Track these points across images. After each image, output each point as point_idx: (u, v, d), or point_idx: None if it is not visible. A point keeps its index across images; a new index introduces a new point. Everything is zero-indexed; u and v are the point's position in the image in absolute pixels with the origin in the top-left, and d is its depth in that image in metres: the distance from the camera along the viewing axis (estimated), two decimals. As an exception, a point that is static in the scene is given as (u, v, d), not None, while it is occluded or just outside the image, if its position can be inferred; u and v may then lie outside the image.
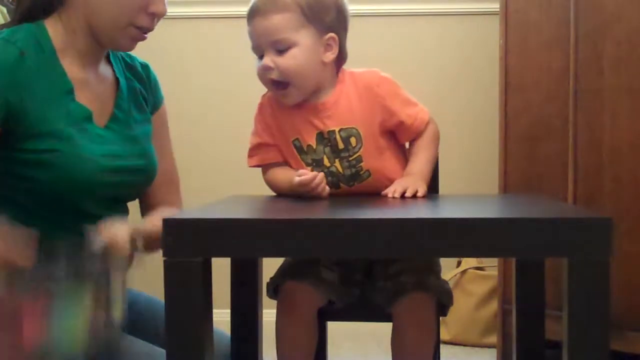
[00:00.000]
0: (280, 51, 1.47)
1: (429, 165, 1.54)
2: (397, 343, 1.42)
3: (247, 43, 1.53)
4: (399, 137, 1.56)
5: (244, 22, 1.54)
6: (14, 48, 1.34)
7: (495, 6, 2.58)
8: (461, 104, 3.11)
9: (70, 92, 1.40)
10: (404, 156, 1.58)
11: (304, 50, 1.47)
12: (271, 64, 1.47)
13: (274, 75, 1.48)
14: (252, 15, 1.49)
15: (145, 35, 1.44)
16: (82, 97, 1.42)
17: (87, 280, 1.15)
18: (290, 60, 1.47)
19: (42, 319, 1.08)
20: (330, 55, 1.52)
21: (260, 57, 1.50)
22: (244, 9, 1.55)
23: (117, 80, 1.52)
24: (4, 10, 2.20)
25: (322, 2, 1.50)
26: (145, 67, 1.59)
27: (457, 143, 3.04)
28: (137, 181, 1.52)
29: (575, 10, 2.30)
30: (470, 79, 3.11)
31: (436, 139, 1.57)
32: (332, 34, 1.51)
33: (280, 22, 1.46)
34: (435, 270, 1.49)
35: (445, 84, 3.09)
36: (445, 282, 1.49)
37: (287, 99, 1.51)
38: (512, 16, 2.47)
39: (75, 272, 1.13)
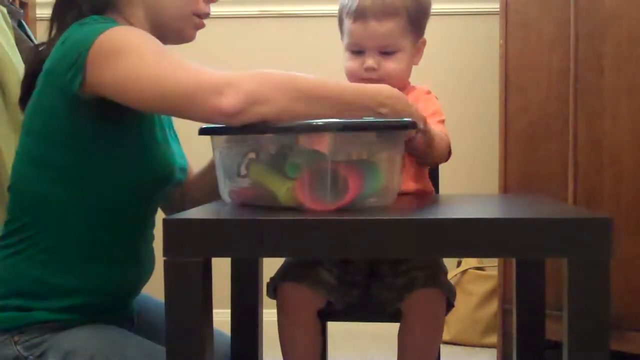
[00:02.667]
0: (385, 53, 1.50)
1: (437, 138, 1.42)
2: (406, 338, 1.42)
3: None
4: None
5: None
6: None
7: (495, 6, 2.58)
8: (461, 104, 3.11)
9: None
10: (424, 178, 1.58)
11: (406, 55, 1.53)
12: (375, 66, 1.50)
13: (374, 76, 1.50)
14: (363, 16, 1.49)
15: (205, 23, 1.47)
16: None
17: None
18: (395, 64, 1.51)
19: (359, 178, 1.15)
20: (419, 59, 1.58)
21: (354, 52, 1.52)
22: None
23: None
24: (4, 10, 2.20)
25: (424, 9, 1.56)
26: None
27: (457, 143, 3.03)
28: (183, 180, 1.55)
29: (575, 10, 2.30)
30: (471, 79, 3.11)
31: (447, 145, 1.48)
32: (423, 38, 1.57)
33: (393, 28, 1.49)
34: (444, 270, 1.49)
35: (445, 84, 3.09)
36: (451, 283, 1.49)
37: None
38: (512, 16, 2.47)
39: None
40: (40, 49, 1.43)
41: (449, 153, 1.51)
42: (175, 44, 1.48)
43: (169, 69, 1.24)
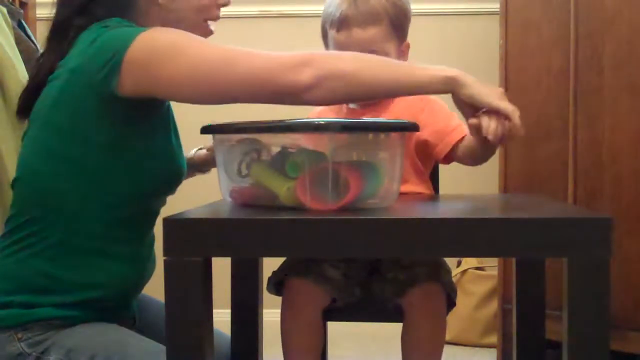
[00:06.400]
0: None
1: None
2: (409, 336, 1.43)
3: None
4: (435, 150, 1.54)
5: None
6: None
7: (495, 6, 2.58)
8: (461, 104, 3.11)
9: None
10: (426, 181, 1.58)
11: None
12: None
13: None
14: (347, 25, 1.51)
15: (213, 30, 1.49)
16: None
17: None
18: None
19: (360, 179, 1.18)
20: (404, 61, 1.58)
21: None
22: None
23: None
24: (4, 10, 2.20)
25: (404, 13, 1.57)
26: None
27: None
28: (181, 180, 1.56)
29: (575, 10, 2.30)
30: (470, 79, 3.11)
31: None
32: (407, 42, 1.59)
33: (376, 33, 1.52)
34: (446, 268, 1.50)
35: (445, 84, 3.09)
36: (453, 281, 1.50)
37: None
38: (512, 16, 2.47)
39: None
40: (40, 60, 1.43)
41: None
42: None
43: (232, 56, 1.28)
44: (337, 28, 1.52)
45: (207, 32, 1.47)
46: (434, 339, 1.43)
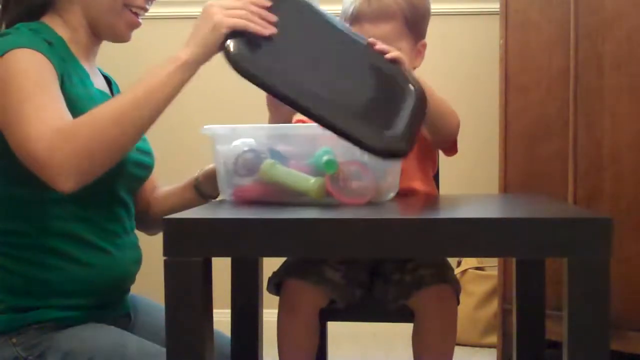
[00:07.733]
0: None
1: (434, 98, 1.44)
2: (422, 338, 1.42)
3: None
4: None
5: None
6: (41, 37, 1.36)
7: (495, 6, 2.58)
8: (461, 104, 3.10)
9: (88, 78, 1.44)
10: (430, 181, 1.60)
11: (405, 58, 1.50)
12: None
13: None
14: (359, 20, 1.50)
15: (140, 21, 1.48)
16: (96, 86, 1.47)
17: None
18: None
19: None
20: (420, 61, 1.59)
21: None
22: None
23: (105, 78, 1.57)
24: (2, 10, 2.20)
25: (421, 12, 1.56)
26: (109, 78, 1.62)
27: (458, 143, 3.04)
28: (144, 176, 1.56)
29: (575, 10, 2.30)
30: (470, 79, 3.11)
31: (452, 114, 1.55)
32: (424, 41, 1.58)
33: (389, 30, 1.50)
34: (450, 267, 1.50)
35: (445, 84, 3.09)
36: (457, 279, 1.50)
37: None
38: (512, 16, 2.47)
39: None
40: None
41: (457, 127, 1.58)
42: (112, 41, 1.50)
43: (22, 119, 1.24)
44: (350, 23, 1.52)
45: (131, 21, 1.46)
46: (446, 339, 1.43)
